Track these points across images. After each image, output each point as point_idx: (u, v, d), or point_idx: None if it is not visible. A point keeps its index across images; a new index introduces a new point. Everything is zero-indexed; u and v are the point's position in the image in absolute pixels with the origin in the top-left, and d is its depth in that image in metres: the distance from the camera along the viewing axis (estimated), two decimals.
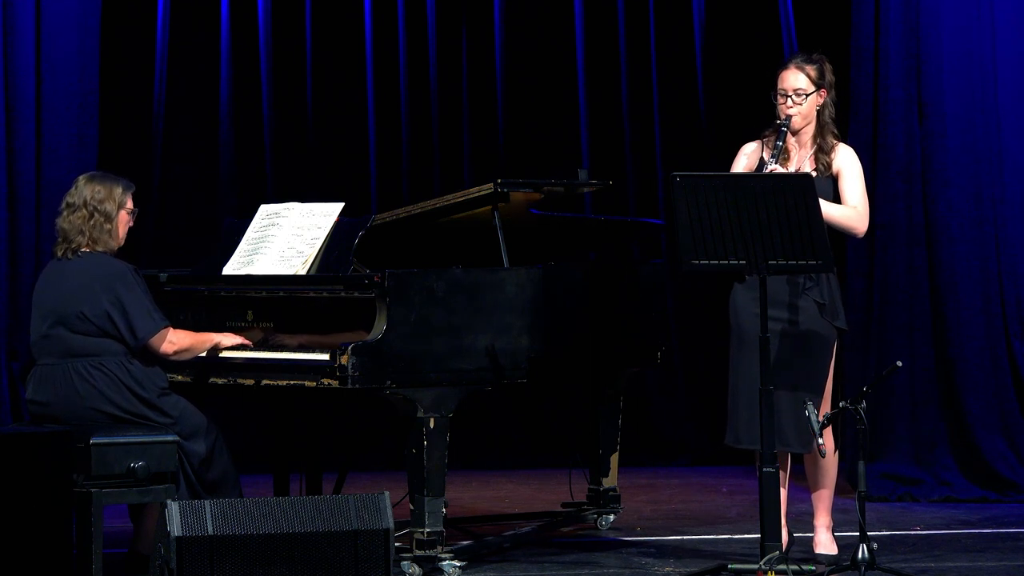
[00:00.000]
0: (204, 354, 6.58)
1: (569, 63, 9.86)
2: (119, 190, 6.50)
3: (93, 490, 6.10)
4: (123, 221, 6.51)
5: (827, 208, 6.46)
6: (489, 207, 6.78)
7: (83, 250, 6.44)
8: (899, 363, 6.49)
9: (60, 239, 6.48)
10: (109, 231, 6.46)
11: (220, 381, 6.60)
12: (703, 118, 9.81)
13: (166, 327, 6.42)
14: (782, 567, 6.11)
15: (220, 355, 6.58)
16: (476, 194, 6.77)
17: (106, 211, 6.45)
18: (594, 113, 9.88)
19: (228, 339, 6.59)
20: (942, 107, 8.61)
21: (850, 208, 6.58)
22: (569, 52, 9.85)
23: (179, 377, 6.67)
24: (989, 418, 8.55)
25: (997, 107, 8.65)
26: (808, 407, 6.20)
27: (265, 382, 6.47)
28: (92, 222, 6.43)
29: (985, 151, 8.62)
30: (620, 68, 9.86)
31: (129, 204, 6.53)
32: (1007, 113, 8.67)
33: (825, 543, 6.74)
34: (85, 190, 6.47)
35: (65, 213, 6.48)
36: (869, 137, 8.62)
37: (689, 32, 9.78)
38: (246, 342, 6.60)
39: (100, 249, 6.45)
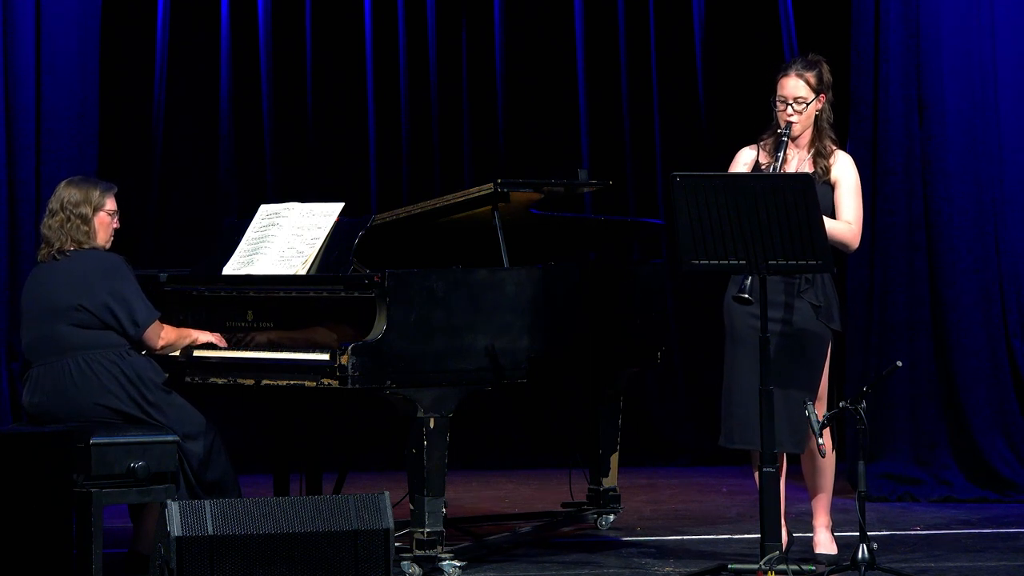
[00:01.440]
0: (178, 353, 6.60)
1: (569, 63, 9.85)
2: (96, 193, 6.53)
3: (93, 490, 6.11)
4: (102, 223, 6.53)
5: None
6: (489, 207, 6.78)
7: (69, 249, 6.46)
8: (899, 363, 6.49)
9: (43, 244, 6.52)
10: (87, 233, 6.48)
11: (220, 381, 6.60)
12: (703, 118, 9.80)
13: (159, 316, 6.46)
14: (782, 567, 6.11)
15: (193, 354, 6.59)
16: (476, 194, 6.77)
17: (81, 214, 6.48)
18: (594, 113, 9.87)
19: (204, 336, 6.61)
20: (942, 107, 8.60)
21: (843, 223, 6.57)
22: (569, 52, 9.85)
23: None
24: (989, 418, 8.55)
25: (997, 107, 8.65)
26: (808, 407, 6.20)
27: (265, 382, 6.48)
28: (69, 225, 6.47)
29: (985, 151, 8.62)
30: (620, 68, 9.86)
31: (108, 206, 6.54)
32: (1007, 113, 8.66)
33: (825, 543, 6.74)
34: (63, 194, 6.53)
35: (46, 218, 6.54)
36: (869, 137, 8.62)
37: (689, 32, 9.78)
38: (220, 342, 6.61)
39: (86, 247, 6.47)
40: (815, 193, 6.12)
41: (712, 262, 6.16)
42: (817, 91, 6.62)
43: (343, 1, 9.79)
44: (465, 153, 9.85)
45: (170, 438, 6.30)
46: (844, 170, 6.64)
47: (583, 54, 9.84)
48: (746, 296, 6.32)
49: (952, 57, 8.62)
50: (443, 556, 6.42)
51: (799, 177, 6.20)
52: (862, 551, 6.11)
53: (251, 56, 9.68)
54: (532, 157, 9.73)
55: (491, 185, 6.71)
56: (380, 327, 6.30)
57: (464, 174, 9.75)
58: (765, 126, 6.77)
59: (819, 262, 6.15)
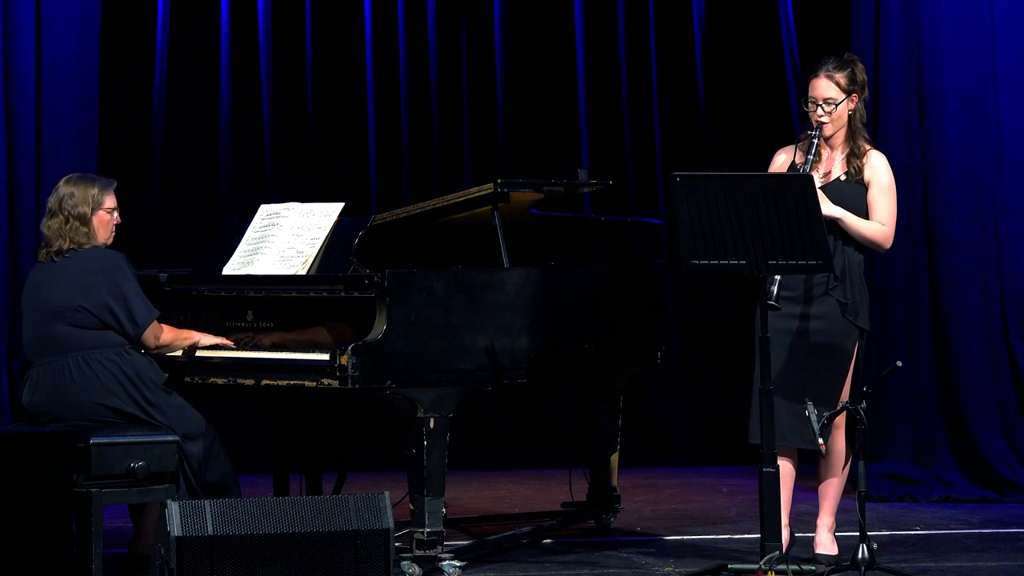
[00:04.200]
0: (179, 353, 6.59)
1: (569, 63, 9.85)
2: (95, 191, 6.50)
3: (93, 490, 6.11)
4: (102, 221, 6.51)
5: (853, 221, 6.51)
6: (489, 207, 6.78)
7: (68, 250, 6.45)
8: (899, 363, 6.50)
9: (43, 244, 6.51)
10: (86, 234, 6.47)
11: (220, 381, 6.60)
12: (703, 118, 9.80)
13: (158, 315, 6.46)
14: (782, 567, 6.11)
15: (196, 354, 6.59)
16: (476, 194, 6.77)
17: (80, 214, 6.45)
18: (594, 113, 9.87)
19: (207, 339, 6.60)
20: (942, 107, 8.60)
21: (876, 224, 6.59)
22: (569, 52, 9.85)
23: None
24: (989, 418, 8.55)
25: (997, 107, 8.65)
26: (808, 407, 6.20)
27: (265, 382, 6.47)
28: (68, 227, 6.45)
29: (985, 151, 8.62)
30: (620, 68, 9.86)
31: (107, 203, 6.52)
32: (1007, 113, 8.67)
33: (826, 543, 6.73)
34: (61, 193, 6.51)
35: (45, 218, 6.52)
36: (869, 137, 8.61)
37: (689, 32, 9.78)
38: (225, 342, 6.61)
39: (86, 247, 6.46)
40: (815, 193, 6.12)
41: (712, 262, 6.16)
42: (848, 91, 6.61)
43: (343, 1, 9.79)
44: (465, 153, 9.85)
45: (170, 438, 6.30)
46: (877, 170, 6.65)
47: (583, 54, 9.84)
48: (775, 304, 6.32)
49: (952, 57, 8.61)
50: (443, 556, 6.42)
51: (799, 177, 6.20)
52: (862, 551, 6.12)
53: (251, 56, 9.68)
54: (532, 157, 9.73)
55: (491, 185, 6.71)
56: (380, 327, 6.30)
57: (464, 174, 9.75)
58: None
59: (819, 262, 6.15)
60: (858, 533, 6.16)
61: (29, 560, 5.97)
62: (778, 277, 6.36)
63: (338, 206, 6.79)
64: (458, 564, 6.45)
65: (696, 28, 9.76)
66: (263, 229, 6.89)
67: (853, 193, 6.58)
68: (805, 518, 7.06)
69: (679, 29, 9.81)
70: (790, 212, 6.06)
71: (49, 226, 6.49)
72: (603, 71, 9.88)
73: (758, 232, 6.09)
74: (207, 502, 5.64)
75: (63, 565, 6.03)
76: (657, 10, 9.83)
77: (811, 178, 6.19)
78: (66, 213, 6.46)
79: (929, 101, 8.61)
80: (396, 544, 6.02)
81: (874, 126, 8.62)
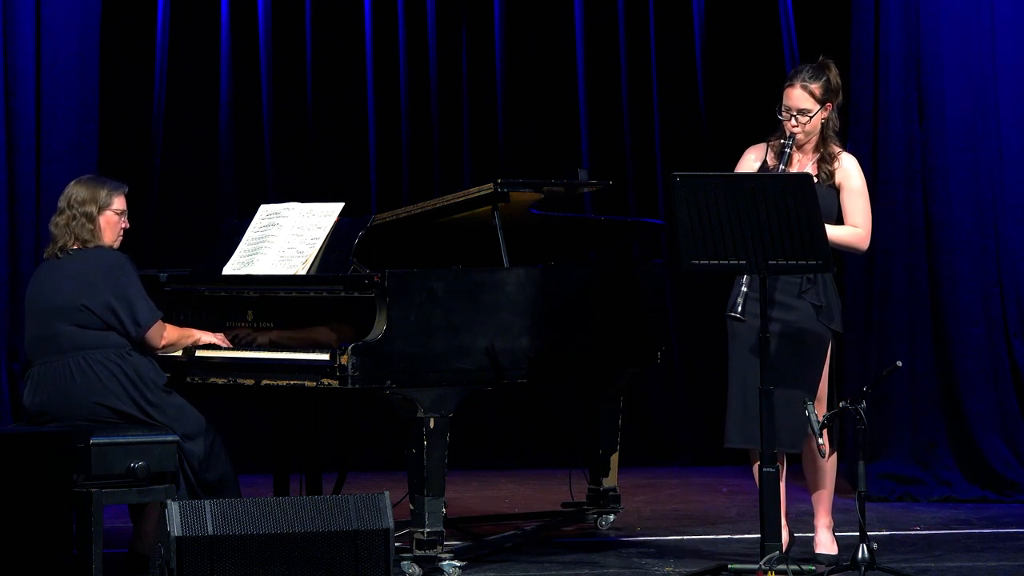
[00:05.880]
0: (179, 353, 6.59)
1: (569, 63, 9.85)
2: (104, 192, 6.52)
3: (93, 490, 6.11)
4: (109, 222, 6.52)
5: (829, 231, 6.48)
6: (489, 207, 6.78)
7: (73, 247, 6.46)
8: (899, 363, 6.50)
9: (51, 242, 6.53)
10: (92, 231, 6.48)
11: (220, 381, 6.61)
12: (703, 118, 9.81)
13: (161, 316, 6.46)
14: (782, 567, 6.11)
15: (196, 354, 6.59)
16: (476, 194, 6.77)
17: (86, 212, 6.48)
18: (594, 113, 9.87)
19: (207, 336, 6.61)
20: (942, 107, 8.60)
21: (850, 228, 6.58)
22: (569, 52, 9.85)
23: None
24: (989, 418, 8.55)
25: (997, 107, 8.65)
26: (808, 407, 6.21)
27: (265, 382, 6.48)
28: (75, 223, 6.48)
29: (985, 151, 8.62)
30: (620, 68, 9.86)
31: (116, 205, 6.54)
32: (1007, 113, 8.67)
33: (826, 543, 6.74)
34: (71, 192, 6.54)
35: (54, 216, 6.55)
36: (869, 137, 8.63)
37: (689, 32, 9.78)
38: (224, 342, 6.61)
39: (90, 246, 6.47)
40: (815, 193, 6.12)
41: (712, 262, 6.16)
42: (823, 101, 6.60)
43: (343, 1, 9.79)
44: (465, 153, 9.85)
45: (170, 438, 6.30)
46: (850, 174, 6.64)
47: (583, 54, 9.84)
48: (738, 316, 6.34)
49: (952, 57, 8.62)
50: (443, 556, 6.43)
51: (799, 177, 6.20)
52: (862, 551, 6.12)
53: (251, 56, 9.68)
54: (532, 157, 9.73)
55: (491, 185, 6.71)
56: (380, 327, 6.31)
57: (464, 174, 9.76)
58: (765, 127, 6.77)
59: (819, 262, 6.15)
60: (858, 533, 6.16)
61: (29, 560, 5.97)
62: (744, 288, 6.35)
63: (338, 206, 6.79)
64: (458, 564, 6.45)
65: (696, 28, 9.76)
66: (263, 229, 6.90)
67: (825, 197, 6.56)
68: (805, 518, 7.06)
69: (679, 29, 9.82)
70: (790, 212, 6.06)
71: (56, 223, 6.51)
72: (603, 71, 9.88)
73: (758, 232, 6.10)
74: (207, 502, 5.65)
75: (63, 565, 6.04)
76: (657, 10, 9.83)
77: (811, 177, 6.19)
78: (73, 210, 6.49)
79: (929, 101, 8.61)
80: (396, 544, 6.02)
81: (873, 126, 8.63)
